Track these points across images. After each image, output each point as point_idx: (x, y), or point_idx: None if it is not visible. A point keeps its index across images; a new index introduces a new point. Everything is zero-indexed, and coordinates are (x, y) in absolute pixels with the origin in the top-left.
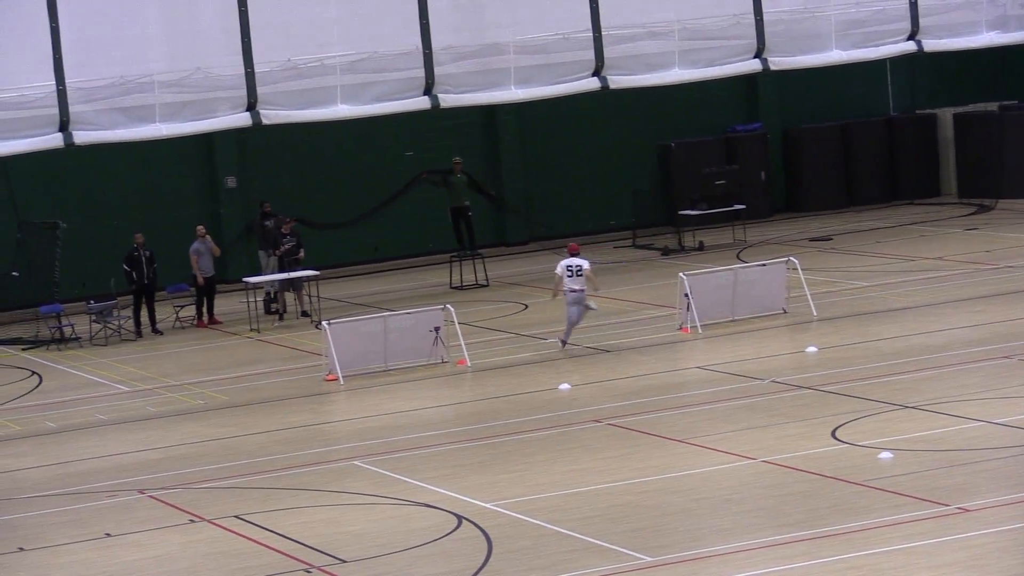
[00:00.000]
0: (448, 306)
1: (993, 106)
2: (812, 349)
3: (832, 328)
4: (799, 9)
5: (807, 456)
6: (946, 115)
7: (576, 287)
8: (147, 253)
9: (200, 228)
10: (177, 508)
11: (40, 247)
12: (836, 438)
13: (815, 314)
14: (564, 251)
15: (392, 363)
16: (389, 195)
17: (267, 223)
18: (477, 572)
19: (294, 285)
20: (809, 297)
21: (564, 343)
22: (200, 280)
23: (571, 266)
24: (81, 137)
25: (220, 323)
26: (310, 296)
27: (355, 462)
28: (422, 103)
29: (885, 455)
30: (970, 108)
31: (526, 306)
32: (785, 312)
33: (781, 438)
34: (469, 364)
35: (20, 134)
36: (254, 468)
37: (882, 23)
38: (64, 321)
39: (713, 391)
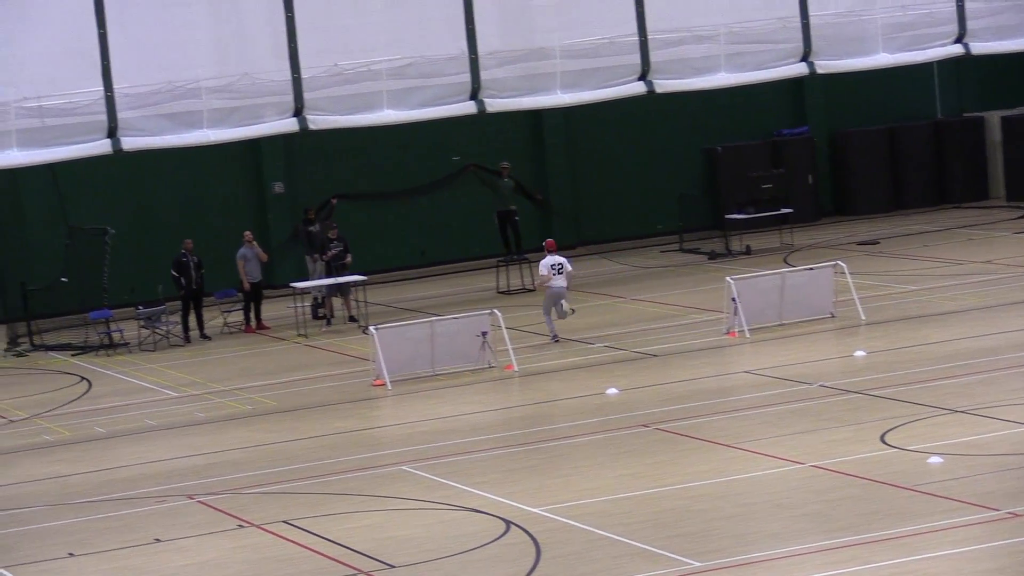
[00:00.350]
0: (495, 311)
1: None
2: (860, 353)
3: (880, 332)
4: (845, 12)
5: (856, 460)
6: (994, 118)
7: (559, 284)
8: (195, 259)
9: (247, 234)
10: (226, 513)
11: (89, 253)
12: (885, 442)
13: (863, 318)
14: (611, 255)
15: (439, 368)
16: (434, 180)
17: (311, 228)
18: None
19: (341, 290)
20: (857, 301)
21: (555, 338)
22: (247, 286)
23: (554, 264)
24: (129, 143)
25: (268, 328)
26: (357, 301)
27: (403, 467)
28: (468, 108)
29: (935, 460)
30: (1018, 111)
31: (573, 311)
32: (833, 316)
33: (830, 442)
34: (516, 369)
35: (69, 140)
36: (302, 473)
37: (929, 26)
38: (113, 327)
39: (761, 395)
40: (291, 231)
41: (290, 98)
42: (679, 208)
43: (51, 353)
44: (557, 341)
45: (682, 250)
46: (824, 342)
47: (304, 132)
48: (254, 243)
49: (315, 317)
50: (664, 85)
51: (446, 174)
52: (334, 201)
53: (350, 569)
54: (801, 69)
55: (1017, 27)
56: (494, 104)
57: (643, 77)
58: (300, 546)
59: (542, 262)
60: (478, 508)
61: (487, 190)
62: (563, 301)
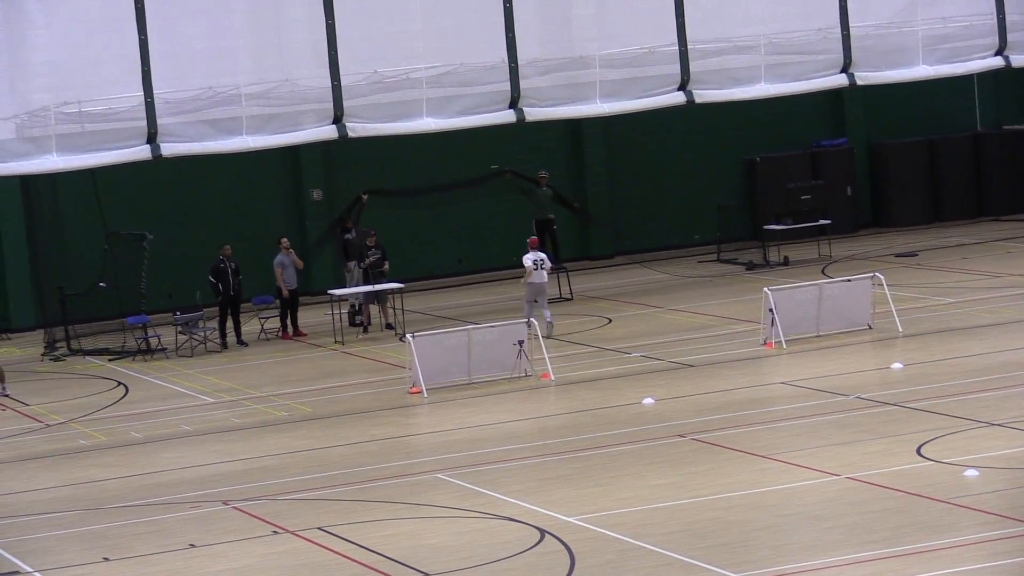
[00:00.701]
0: (532, 319)
1: None
2: (897, 365)
3: (918, 344)
4: (886, 24)
5: (892, 473)
6: None
7: (541, 279)
8: (233, 265)
9: (284, 241)
10: (261, 519)
11: (127, 258)
12: (921, 455)
13: (901, 330)
14: (647, 266)
15: (476, 376)
16: (466, 179)
17: (348, 236)
18: None
19: (379, 297)
20: (895, 313)
21: (550, 325)
22: (285, 293)
23: (537, 260)
24: (168, 149)
25: (305, 335)
26: (394, 308)
27: (438, 475)
28: (508, 116)
29: (971, 472)
30: None
31: (610, 320)
32: (870, 328)
33: (866, 454)
34: (553, 378)
35: (108, 146)
36: (338, 480)
37: (969, 38)
38: (150, 332)
39: (797, 407)
40: (324, 233)
41: (330, 105)
42: (717, 218)
43: (88, 358)
44: (530, 327)
45: (720, 260)
46: (861, 354)
47: (343, 139)
48: (291, 250)
49: (352, 324)
50: (704, 95)
51: (481, 176)
52: (364, 197)
53: None
54: (841, 80)
55: None
56: (533, 113)
57: (683, 87)
58: (335, 553)
59: (525, 257)
60: (513, 517)
61: (525, 198)
62: (548, 317)
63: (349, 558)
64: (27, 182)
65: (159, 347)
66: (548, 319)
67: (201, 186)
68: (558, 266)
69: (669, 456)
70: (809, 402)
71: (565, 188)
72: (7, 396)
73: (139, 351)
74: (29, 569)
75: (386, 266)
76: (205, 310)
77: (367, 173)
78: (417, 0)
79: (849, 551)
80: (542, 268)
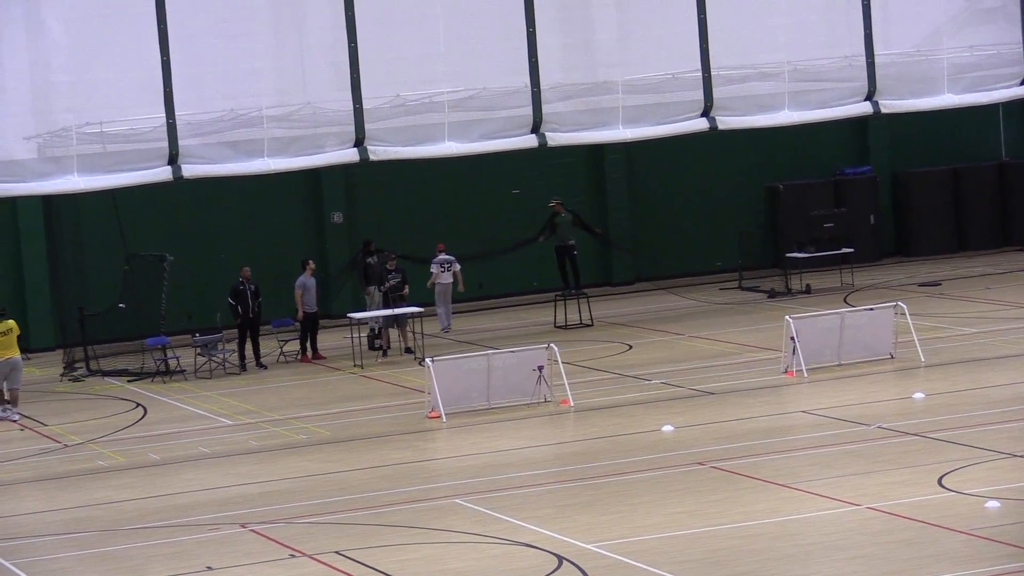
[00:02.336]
0: (552, 345)
1: None
2: (919, 395)
3: (940, 374)
4: (911, 52)
5: (912, 503)
6: None
7: (446, 280)
8: (253, 287)
9: (311, 263)
10: (278, 543)
11: (147, 280)
12: (942, 486)
13: (923, 360)
14: (668, 292)
15: (495, 401)
16: (527, 238)
17: (370, 260)
18: None
19: (398, 321)
20: (917, 342)
21: (446, 328)
22: (300, 315)
23: (443, 262)
24: (190, 171)
25: (324, 358)
26: (414, 332)
27: (456, 500)
28: (529, 141)
29: (992, 504)
30: None
31: (630, 346)
32: (892, 357)
33: (886, 485)
34: (572, 404)
35: (129, 167)
36: (355, 504)
37: (995, 67)
38: (169, 354)
39: (818, 436)
40: (351, 259)
41: (351, 128)
42: (739, 245)
43: (107, 379)
44: (446, 330)
45: (741, 288)
46: (883, 383)
47: (365, 163)
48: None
49: (371, 348)
50: (727, 122)
51: (537, 231)
52: (397, 256)
53: None
54: (865, 108)
55: None
56: (555, 138)
57: (706, 113)
58: None
59: (433, 260)
60: (531, 543)
61: (544, 222)
62: (447, 315)
63: None
64: (48, 202)
65: (178, 369)
66: (446, 322)
67: (222, 208)
68: (578, 291)
69: (688, 484)
70: (830, 431)
71: (586, 213)
72: (15, 420)
73: (158, 372)
74: None
75: (406, 290)
76: (224, 332)
77: (388, 196)
78: (440, 24)
79: None
80: (448, 270)
